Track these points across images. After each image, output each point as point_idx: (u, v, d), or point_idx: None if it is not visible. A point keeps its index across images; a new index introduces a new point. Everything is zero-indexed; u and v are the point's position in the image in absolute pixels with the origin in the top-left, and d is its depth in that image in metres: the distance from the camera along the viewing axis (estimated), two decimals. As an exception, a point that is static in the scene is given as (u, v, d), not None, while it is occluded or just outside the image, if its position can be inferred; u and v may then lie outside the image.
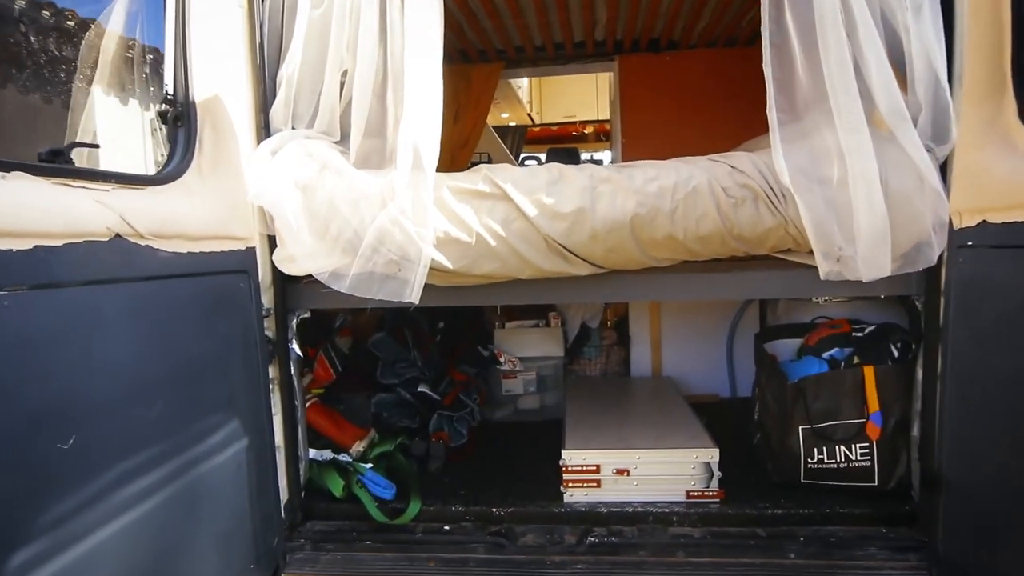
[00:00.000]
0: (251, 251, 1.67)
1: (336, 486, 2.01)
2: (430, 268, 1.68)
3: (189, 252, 1.44)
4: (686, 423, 2.20)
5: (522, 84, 5.97)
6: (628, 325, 3.05)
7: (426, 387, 2.43)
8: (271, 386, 1.93)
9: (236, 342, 1.57)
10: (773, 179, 1.68)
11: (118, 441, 1.23)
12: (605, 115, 6.25)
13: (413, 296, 1.68)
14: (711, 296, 2.09)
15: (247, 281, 1.64)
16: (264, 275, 1.88)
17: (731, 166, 1.73)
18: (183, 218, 1.45)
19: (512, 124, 6.13)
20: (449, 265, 1.72)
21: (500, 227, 1.71)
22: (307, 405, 2.18)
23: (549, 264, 1.75)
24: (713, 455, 1.95)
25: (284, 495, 1.94)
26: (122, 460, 1.23)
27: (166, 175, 1.47)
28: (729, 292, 1.90)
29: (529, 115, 6.23)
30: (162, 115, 1.51)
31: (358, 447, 2.18)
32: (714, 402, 2.94)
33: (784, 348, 2.26)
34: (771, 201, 1.69)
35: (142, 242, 1.31)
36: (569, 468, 1.98)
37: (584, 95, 6.76)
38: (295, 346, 2.02)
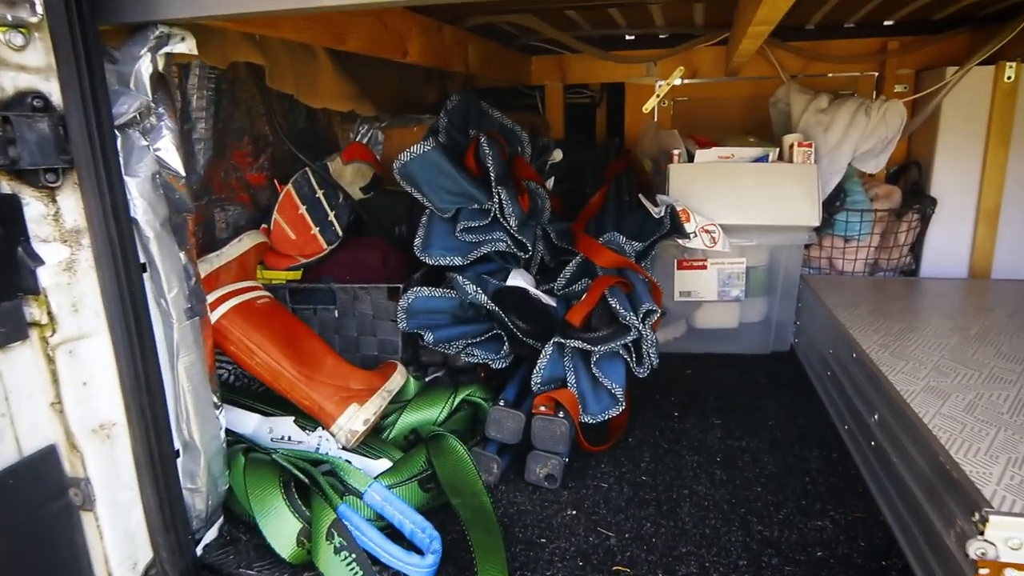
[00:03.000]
0: None
1: (280, 535, 0.74)
2: None
3: None
4: None
5: None
6: (928, 177, 1.52)
7: (523, 277, 1.06)
8: (72, 257, 0.63)
9: None
10: None
11: None
12: None
13: None
14: None
15: None
16: None
17: None
18: None
19: None
20: None
21: None
22: (225, 310, 0.88)
23: None
24: None
25: (124, 552, 0.69)
26: None
27: None
28: None
29: None
30: None
31: (354, 421, 0.87)
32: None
33: None
34: None
35: None
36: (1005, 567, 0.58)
37: None
38: (164, 146, 0.70)
